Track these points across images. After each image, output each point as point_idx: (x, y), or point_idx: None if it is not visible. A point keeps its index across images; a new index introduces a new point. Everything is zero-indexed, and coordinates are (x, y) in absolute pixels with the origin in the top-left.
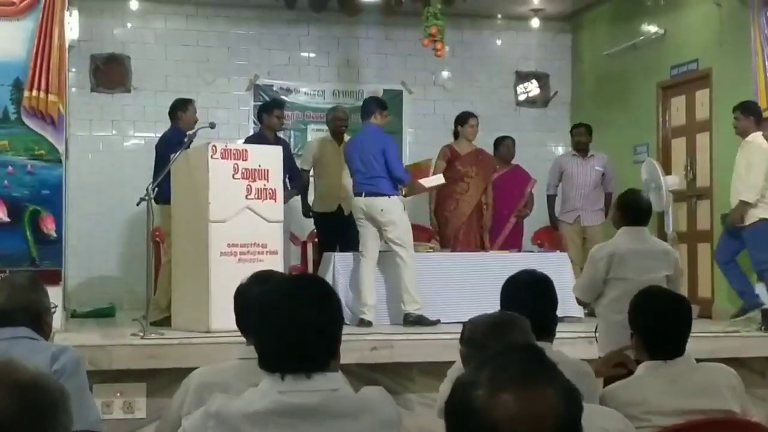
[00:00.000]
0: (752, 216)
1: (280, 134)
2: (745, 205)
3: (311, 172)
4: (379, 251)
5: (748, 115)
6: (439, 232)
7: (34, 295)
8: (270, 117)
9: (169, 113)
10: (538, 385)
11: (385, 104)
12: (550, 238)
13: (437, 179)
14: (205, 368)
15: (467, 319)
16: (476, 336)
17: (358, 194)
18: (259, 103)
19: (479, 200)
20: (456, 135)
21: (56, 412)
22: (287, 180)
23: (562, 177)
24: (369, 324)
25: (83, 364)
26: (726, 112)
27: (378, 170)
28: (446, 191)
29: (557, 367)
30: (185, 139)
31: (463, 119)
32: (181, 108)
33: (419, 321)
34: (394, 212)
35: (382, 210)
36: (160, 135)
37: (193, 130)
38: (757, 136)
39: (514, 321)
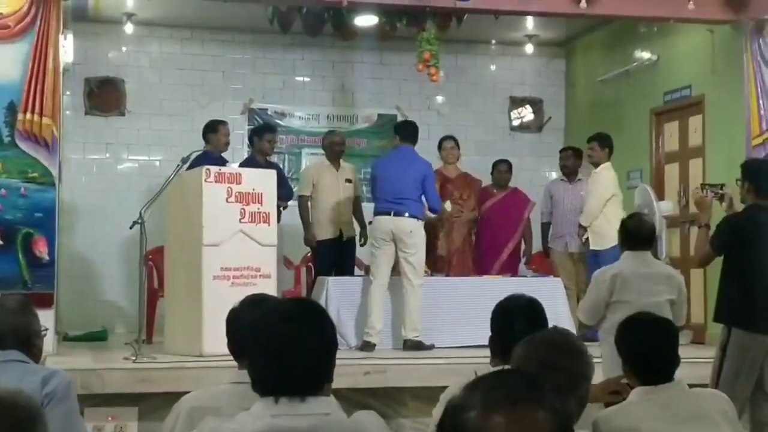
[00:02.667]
0: (612, 239)
1: (273, 158)
2: (581, 229)
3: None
4: None
5: (604, 147)
6: (433, 255)
7: (23, 318)
8: (261, 141)
9: (202, 135)
10: (529, 407)
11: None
12: (544, 263)
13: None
14: (196, 392)
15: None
16: (537, 349)
17: (384, 213)
18: (253, 127)
19: (471, 223)
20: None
21: (34, 427)
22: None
23: (552, 203)
24: (373, 347)
25: (74, 388)
26: (719, 139)
27: (412, 192)
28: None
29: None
30: (186, 161)
31: (439, 144)
32: (211, 130)
33: (417, 346)
34: (419, 236)
35: (411, 231)
36: (154, 158)
37: (188, 154)
38: (604, 168)
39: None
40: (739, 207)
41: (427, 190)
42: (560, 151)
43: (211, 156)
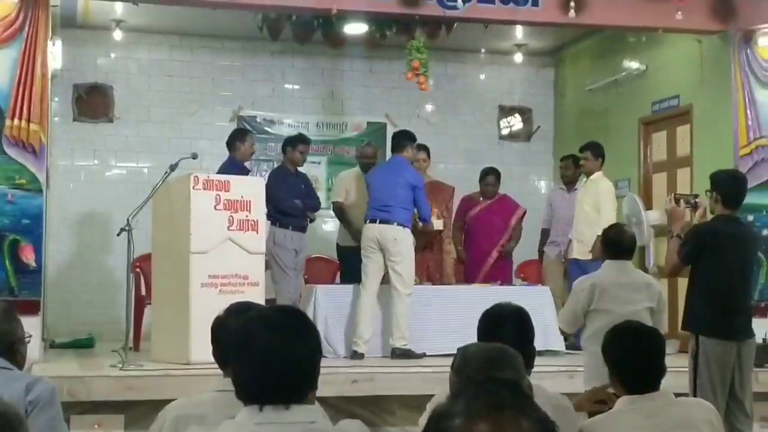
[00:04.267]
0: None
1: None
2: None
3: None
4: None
5: (597, 156)
6: None
7: (6, 324)
8: (294, 152)
9: (227, 144)
10: (513, 416)
11: (416, 139)
12: (535, 271)
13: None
14: (181, 400)
15: (459, 347)
16: (467, 370)
17: (371, 221)
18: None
19: (432, 234)
20: None
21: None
22: (295, 203)
23: (552, 210)
24: (361, 356)
25: (57, 395)
26: (706, 149)
27: (399, 200)
28: None
29: (532, 399)
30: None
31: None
32: (239, 138)
33: (406, 354)
34: (404, 244)
35: (395, 239)
36: (142, 165)
37: (176, 161)
38: (599, 176)
39: (508, 359)
40: (710, 218)
41: (416, 200)
42: (561, 160)
43: (238, 164)
